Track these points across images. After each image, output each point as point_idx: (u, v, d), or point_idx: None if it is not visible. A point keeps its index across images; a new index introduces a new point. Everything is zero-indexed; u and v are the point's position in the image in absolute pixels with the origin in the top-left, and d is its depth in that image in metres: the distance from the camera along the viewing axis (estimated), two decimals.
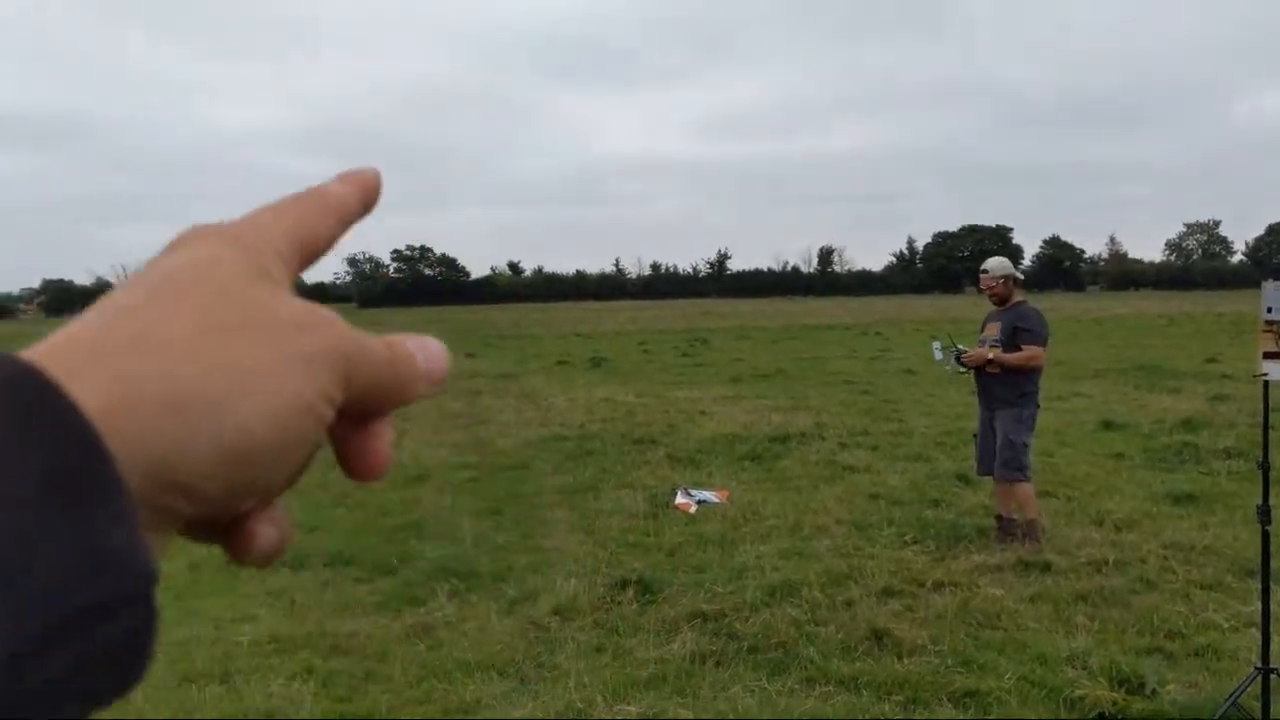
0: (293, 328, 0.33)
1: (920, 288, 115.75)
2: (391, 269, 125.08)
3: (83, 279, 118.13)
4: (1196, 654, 4.89)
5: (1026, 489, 6.86)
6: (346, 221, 0.41)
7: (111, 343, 0.30)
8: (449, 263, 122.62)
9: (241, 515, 0.34)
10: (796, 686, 4.56)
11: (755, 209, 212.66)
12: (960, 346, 7.22)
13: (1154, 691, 4.32)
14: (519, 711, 4.27)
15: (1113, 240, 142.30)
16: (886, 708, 4.32)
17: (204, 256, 0.34)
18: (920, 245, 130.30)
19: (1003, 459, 6.93)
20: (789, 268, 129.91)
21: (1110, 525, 7.32)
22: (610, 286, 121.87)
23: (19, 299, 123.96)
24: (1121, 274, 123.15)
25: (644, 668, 4.76)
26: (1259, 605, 4.17)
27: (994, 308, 7.18)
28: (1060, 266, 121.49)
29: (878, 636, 5.08)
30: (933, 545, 6.86)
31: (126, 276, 0.35)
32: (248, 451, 0.31)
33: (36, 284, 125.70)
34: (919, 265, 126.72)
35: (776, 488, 8.88)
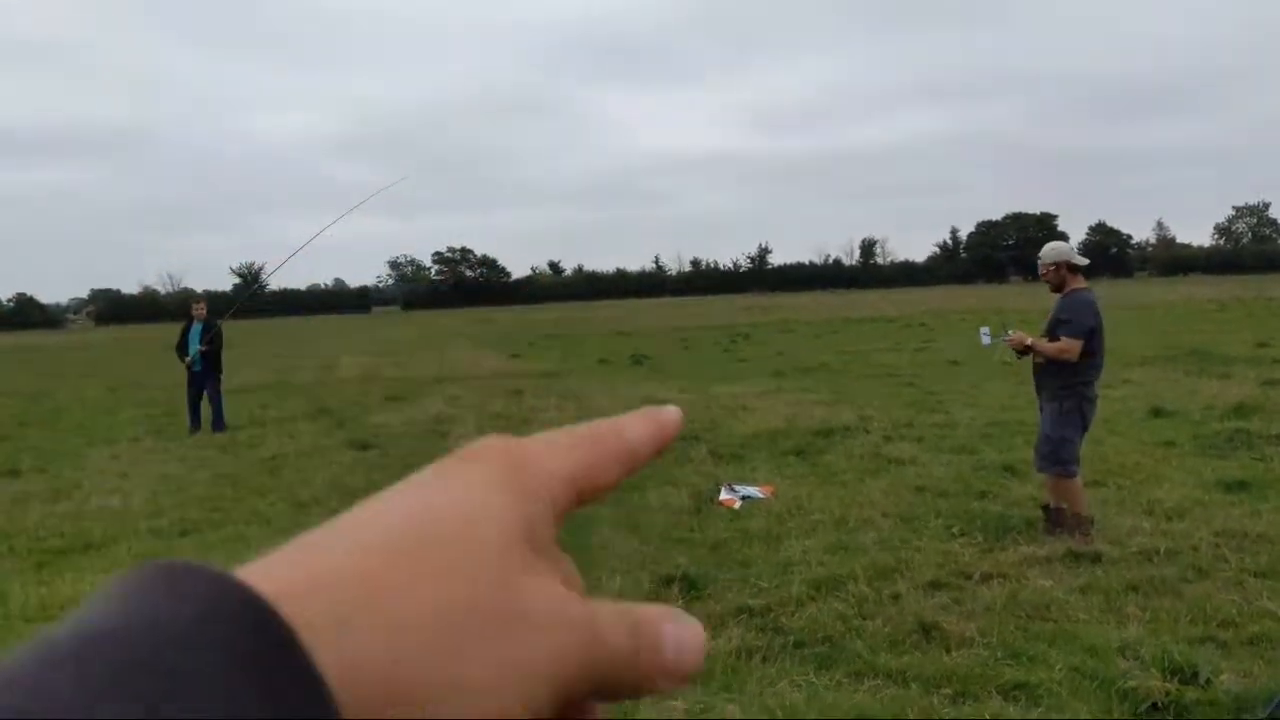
0: (532, 628, 0.31)
1: (965, 277, 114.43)
2: (433, 271, 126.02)
3: (130, 288, 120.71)
4: (1251, 643, 4.81)
5: (1066, 485, 6.73)
6: (632, 469, 0.39)
7: (350, 600, 0.28)
8: (489, 263, 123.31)
9: None
10: (844, 680, 4.55)
11: (796, 202, 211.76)
12: (1009, 330, 7.08)
13: (1208, 681, 4.26)
14: None
15: (1160, 225, 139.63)
16: (935, 701, 4.29)
17: (472, 506, 0.32)
18: (964, 235, 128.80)
19: (1040, 452, 6.85)
20: (831, 260, 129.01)
21: (1161, 514, 7.20)
22: (651, 283, 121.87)
23: (67, 309, 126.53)
24: (1170, 259, 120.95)
25: None
26: None
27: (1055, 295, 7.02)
28: (1107, 253, 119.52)
29: (925, 629, 5.06)
30: (980, 537, 6.79)
31: (393, 496, 0.32)
32: None
33: (85, 294, 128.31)
34: (963, 255, 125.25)
35: (821, 482, 8.85)
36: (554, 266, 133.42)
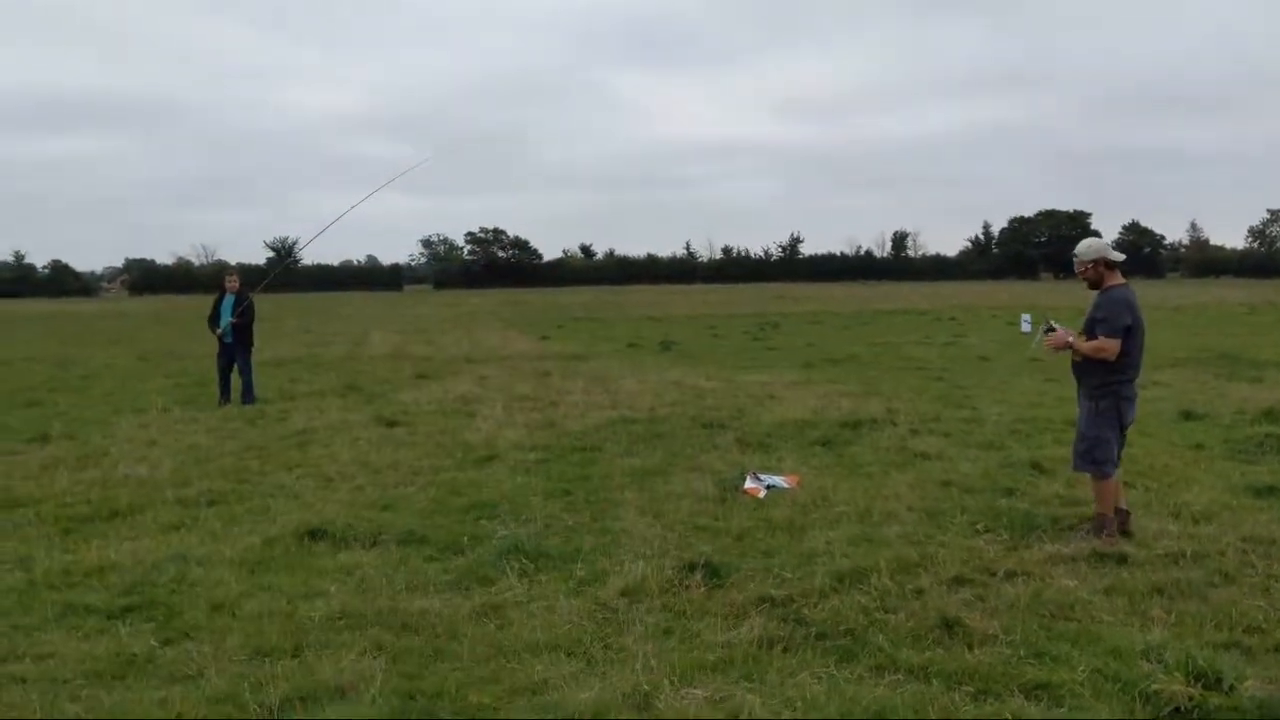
0: None
1: (996, 273, 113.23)
2: (465, 251, 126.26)
3: (165, 259, 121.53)
4: (1277, 649, 4.75)
5: (1101, 485, 6.67)
6: None
7: None
8: (522, 245, 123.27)
9: None
10: (865, 674, 4.54)
11: (828, 192, 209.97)
12: (1053, 322, 6.95)
13: (1231, 687, 4.21)
14: (586, 693, 4.32)
15: (1194, 226, 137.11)
16: (956, 698, 4.27)
17: None
18: (996, 230, 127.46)
19: (1076, 451, 6.80)
20: (862, 252, 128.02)
21: (1188, 517, 7.12)
22: (681, 270, 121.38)
23: (102, 277, 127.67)
24: (1203, 261, 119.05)
25: (711, 651, 4.78)
26: None
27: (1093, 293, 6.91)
28: (1140, 253, 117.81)
29: (948, 625, 5.03)
30: (1005, 534, 6.75)
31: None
32: None
33: (120, 263, 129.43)
34: (995, 250, 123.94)
35: (847, 474, 8.81)
36: (585, 250, 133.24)
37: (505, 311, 48.32)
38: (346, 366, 20.56)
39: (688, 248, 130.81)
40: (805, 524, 7.09)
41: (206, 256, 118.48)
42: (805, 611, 5.27)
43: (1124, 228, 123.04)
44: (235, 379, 14.86)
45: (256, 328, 15.32)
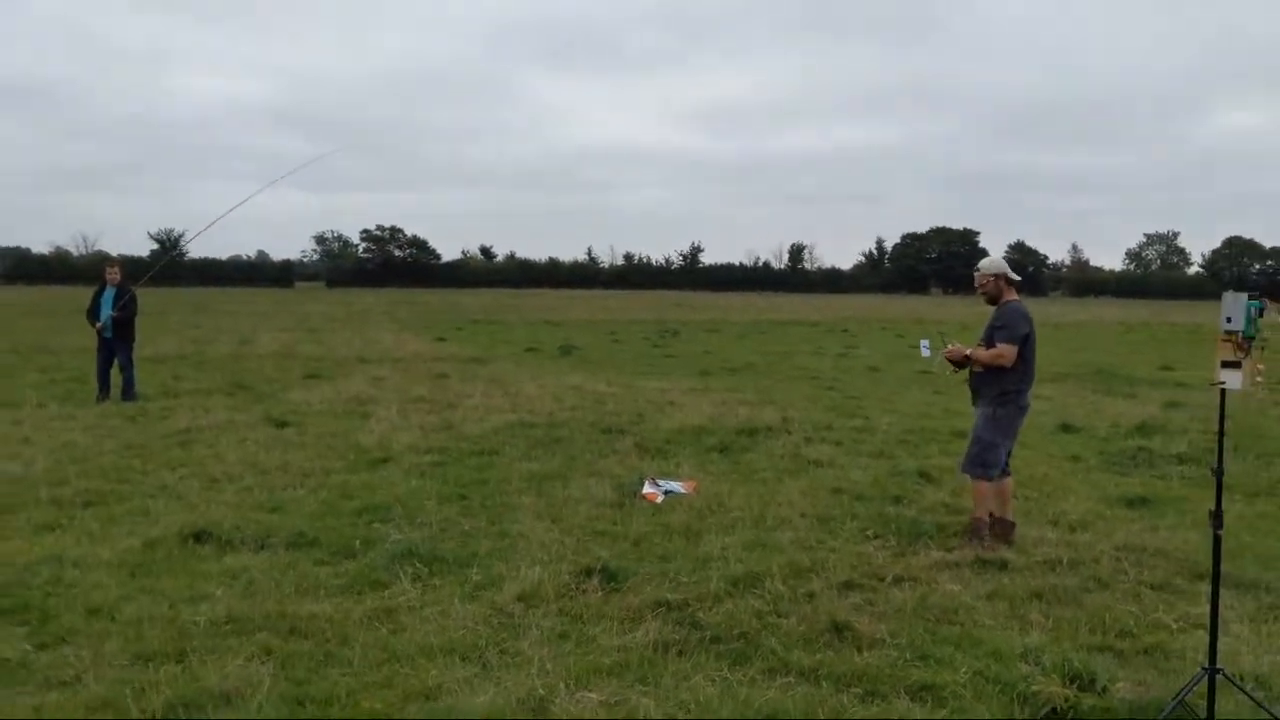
0: None
1: (888, 287, 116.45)
2: (360, 249, 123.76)
3: (41, 248, 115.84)
4: (1146, 653, 4.99)
5: (979, 488, 6.95)
6: None
7: None
8: (420, 245, 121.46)
9: None
10: (758, 677, 4.60)
11: (730, 203, 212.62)
12: (949, 343, 7.22)
13: (1104, 689, 4.41)
14: (481, 698, 4.27)
15: (1075, 248, 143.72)
16: (845, 699, 4.37)
17: None
18: (889, 245, 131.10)
19: (967, 454, 7.04)
20: (760, 263, 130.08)
21: (1065, 525, 7.45)
22: (582, 275, 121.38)
23: None
24: (1083, 281, 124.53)
25: (607, 655, 4.78)
26: (1208, 607, 4.26)
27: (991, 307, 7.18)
28: (1025, 271, 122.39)
29: (838, 629, 5.14)
30: (894, 540, 6.94)
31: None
32: None
33: None
34: (887, 265, 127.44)
35: (742, 480, 8.94)
36: (485, 251, 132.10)
37: (400, 311, 47.54)
38: (233, 364, 19.94)
39: (589, 253, 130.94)
40: (701, 529, 7.16)
41: (86, 246, 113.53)
42: (700, 615, 5.32)
43: (1010, 246, 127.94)
44: (115, 375, 14.28)
45: (139, 322, 14.76)
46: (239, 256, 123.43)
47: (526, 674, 4.51)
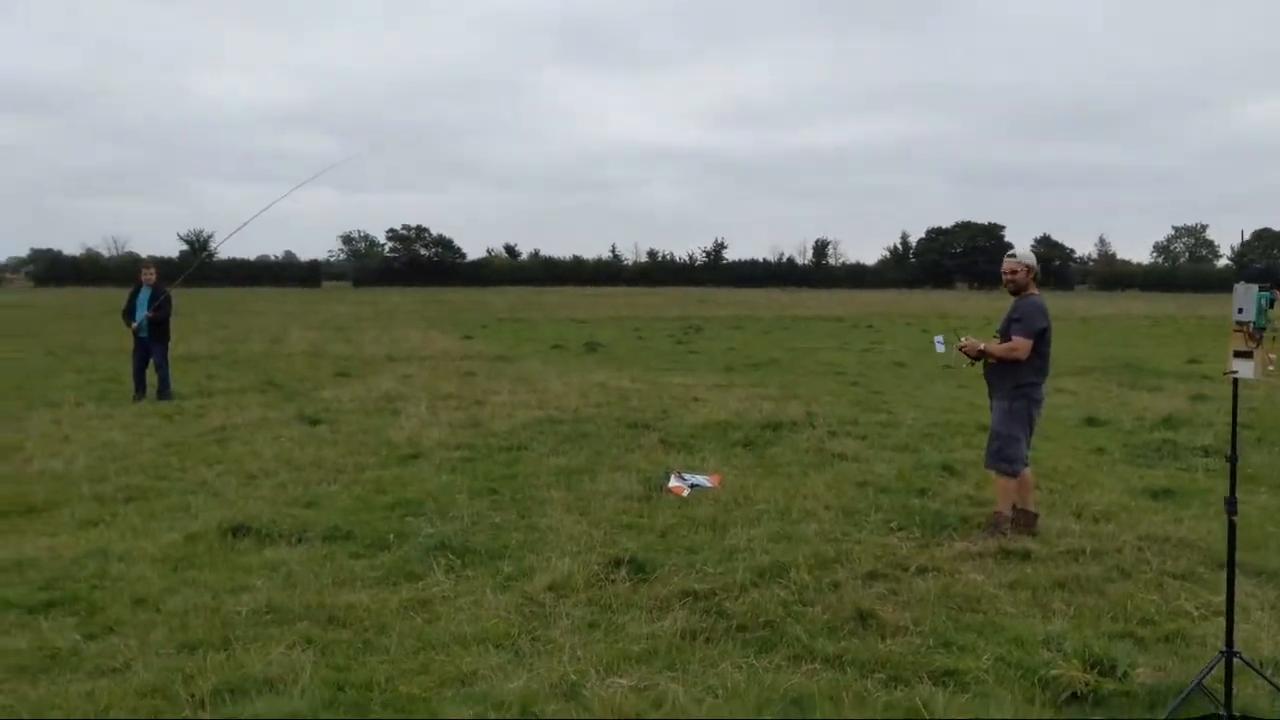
0: None
1: (912, 282, 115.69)
2: (386, 248, 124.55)
3: (73, 250, 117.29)
4: (1167, 639, 5.07)
5: (1003, 483, 7.02)
6: None
7: None
8: (445, 243, 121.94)
9: None
10: (783, 663, 4.72)
11: (754, 199, 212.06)
12: (963, 338, 7.29)
13: (1124, 674, 4.49)
14: (515, 683, 4.42)
15: (1102, 241, 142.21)
16: (869, 684, 4.48)
17: None
18: (914, 240, 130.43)
19: (989, 450, 7.11)
20: (784, 259, 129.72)
21: (1089, 517, 7.50)
22: (607, 272, 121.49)
23: (5, 268, 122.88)
24: (1110, 274, 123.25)
25: (636, 643, 4.92)
26: (1227, 592, 4.33)
27: (1012, 298, 7.23)
28: (1050, 265, 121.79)
29: (862, 617, 5.25)
30: (918, 532, 7.03)
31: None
32: None
33: (24, 253, 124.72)
34: (912, 260, 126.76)
35: (767, 473, 9.04)
36: (510, 250, 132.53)
37: (427, 310, 47.86)
38: (265, 363, 20.24)
39: (613, 250, 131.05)
40: (727, 521, 7.28)
41: (117, 248, 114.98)
42: (726, 605, 5.45)
43: (1036, 240, 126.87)
44: (150, 375, 14.57)
45: (173, 322, 15.05)
46: (267, 257, 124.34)
47: (558, 660, 4.66)
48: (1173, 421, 12.16)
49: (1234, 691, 4.13)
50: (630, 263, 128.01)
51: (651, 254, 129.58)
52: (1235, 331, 4.09)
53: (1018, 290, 7.14)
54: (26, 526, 7.28)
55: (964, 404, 13.90)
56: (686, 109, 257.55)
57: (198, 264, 40.48)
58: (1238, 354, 4.07)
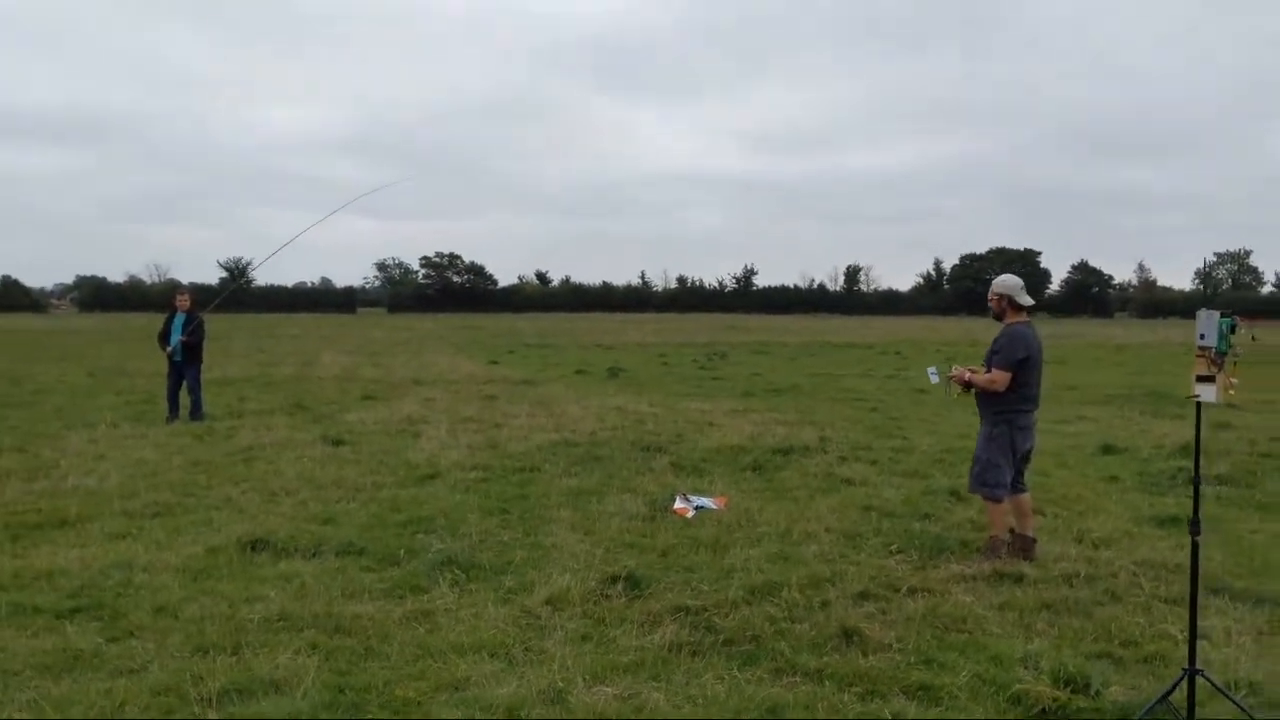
0: None
1: (946, 309, 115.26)
2: (420, 275, 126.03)
3: (117, 277, 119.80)
4: (1146, 660, 5.18)
5: (992, 508, 7.14)
6: None
7: None
8: (477, 270, 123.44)
9: None
10: (765, 676, 4.89)
11: (784, 224, 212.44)
12: (954, 367, 7.45)
13: (1097, 692, 4.61)
14: (504, 689, 4.63)
15: (1141, 267, 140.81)
16: (845, 698, 4.64)
17: None
18: (948, 266, 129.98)
19: (971, 474, 7.25)
20: (815, 285, 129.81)
21: (1089, 542, 7.59)
22: (636, 298, 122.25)
23: (52, 294, 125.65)
24: (1150, 301, 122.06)
25: (625, 655, 5.11)
26: (1216, 619, 4.45)
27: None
28: (1088, 292, 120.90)
29: (847, 635, 5.41)
30: (916, 555, 7.16)
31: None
32: None
33: (70, 280, 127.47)
34: (946, 286, 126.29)
35: (774, 497, 9.21)
36: (541, 277, 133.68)
37: (457, 336, 48.44)
38: (295, 386, 20.67)
39: (643, 277, 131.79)
40: (728, 542, 7.46)
41: (159, 275, 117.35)
42: (716, 620, 5.63)
43: (1073, 267, 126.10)
44: (184, 396, 14.99)
45: (206, 346, 15.48)
46: (304, 283, 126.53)
47: (548, 669, 4.87)
48: (1190, 450, 12.13)
49: (1196, 708, 4.25)
50: (660, 289, 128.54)
51: (681, 280, 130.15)
52: (1198, 357, 4.24)
53: (999, 317, 7.29)
54: (59, 538, 7.60)
55: None
56: (719, 134, 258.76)
57: (231, 290, 41.27)
58: (1200, 379, 4.22)
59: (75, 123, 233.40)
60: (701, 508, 8.53)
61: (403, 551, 7.14)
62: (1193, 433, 13.95)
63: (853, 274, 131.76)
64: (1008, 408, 7.07)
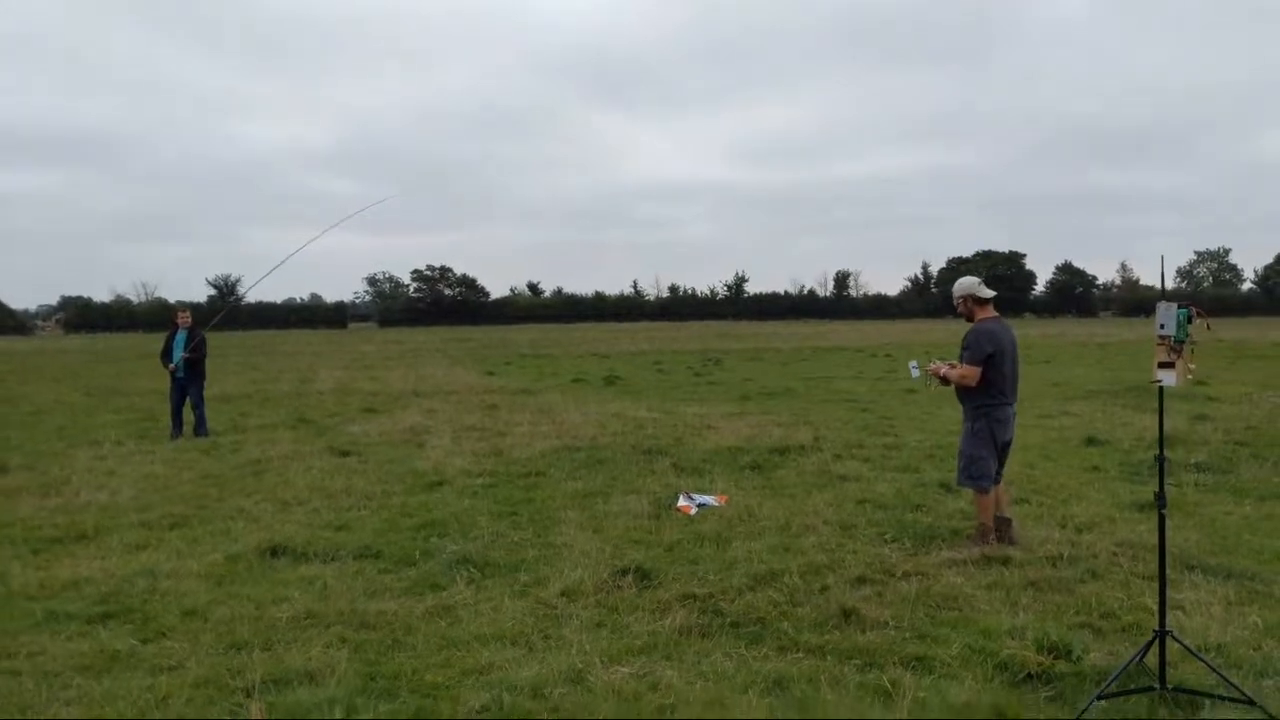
0: None
1: (934, 312, 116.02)
2: (411, 289, 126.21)
3: (103, 296, 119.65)
4: (1124, 630, 5.52)
5: (980, 498, 7.47)
6: None
7: None
8: (469, 283, 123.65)
9: None
10: (770, 654, 5.23)
11: (774, 232, 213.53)
12: (933, 361, 7.81)
13: (1078, 658, 4.96)
14: (527, 672, 4.95)
15: (1124, 267, 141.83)
16: (846, 669, 4.97)
17: None
18: (935, 270, 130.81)
19: (958, 468, 7.60)
20: (805, 291, 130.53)
21: (1072, 527, 7.95)
22: (629, 307, 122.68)
23: (36, 315, 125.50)
24: (1133, 300, 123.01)
25: (638, 638, 5.44)
26: (1189, 591, 4.78)
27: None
28: (1072, 292, 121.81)
29: (846, 615, 5.74)
30: (909, 543, 7.51)
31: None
32: None
33: (55, 300, 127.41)
34: (933, 290, 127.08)
35: (773, 494, 9.54)
36: (533, 288, 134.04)
37: (451, 348, 48.69)
38: (295, 401, 20.94)
39: (635, 286, 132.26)
40: (730, 536, 7.79)
41: (146, 294, 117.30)
42: (723, 605, 5.96)
43: (1057, 268, 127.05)
44: (187, 413, 15.26)
45: (207, 363, 15.76)
46: (294, 299, 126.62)
47: (567, 653, 5.19)
48: (1169, 440, 12.53)
49: (1168, 669, 4.59)
50: (652, 298, 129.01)
51: (673, 289, 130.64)
52: (1159, 345, 4.58)
53: (969, 317, 7.63)
54: (80, 551, 7.87)
55: None
56: (708, 144, 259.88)
57: (230, 307, 41.49)
58: (1161, 365, 4.57)
59: (52, 142, 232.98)
60: (704, 505, 8.86)
61: (418, 553, 7.44)
62: (1174, 425, 14.39)
63: (842, 279, 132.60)
64: (985, 402, 7.39)
